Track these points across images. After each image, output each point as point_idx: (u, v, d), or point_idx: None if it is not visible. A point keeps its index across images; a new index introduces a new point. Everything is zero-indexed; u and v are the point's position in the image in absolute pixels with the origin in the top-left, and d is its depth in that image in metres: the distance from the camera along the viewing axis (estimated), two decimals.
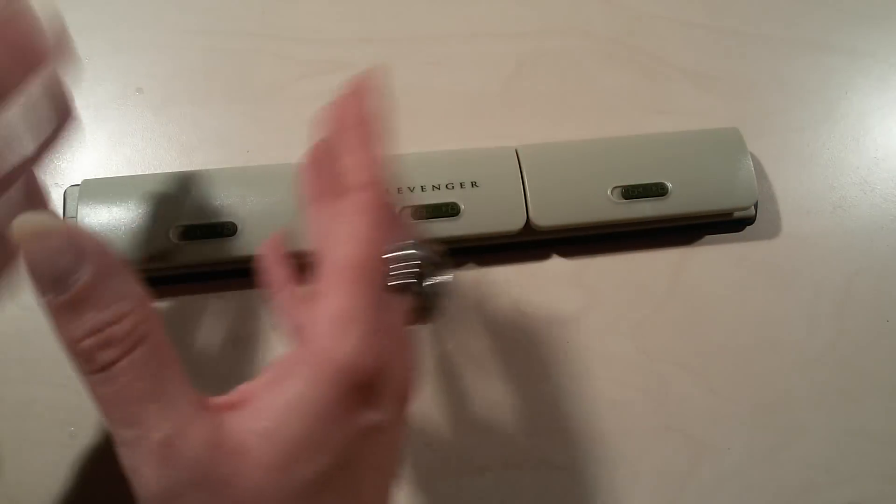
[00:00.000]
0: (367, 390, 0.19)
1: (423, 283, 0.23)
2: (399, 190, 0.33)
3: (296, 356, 0.20)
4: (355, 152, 0.22)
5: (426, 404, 0.34)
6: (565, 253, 0.37)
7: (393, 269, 0.22)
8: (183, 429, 0.17)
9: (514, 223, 0.34)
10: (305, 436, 0.18)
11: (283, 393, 0.18)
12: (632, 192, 0.34)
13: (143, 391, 0.17)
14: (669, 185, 0.34)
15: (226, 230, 0.32)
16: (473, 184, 0.33)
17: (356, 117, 0.22)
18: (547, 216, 0.34)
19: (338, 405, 0.18)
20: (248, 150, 0.37)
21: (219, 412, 0.19)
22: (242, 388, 0.20)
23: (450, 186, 0.33)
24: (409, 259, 0.23)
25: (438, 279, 0.23)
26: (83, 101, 0.37)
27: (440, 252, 0.23)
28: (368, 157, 0.22)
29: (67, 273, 0.16)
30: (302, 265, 0.24)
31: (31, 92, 0.21)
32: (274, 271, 0.26)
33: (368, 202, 0.21)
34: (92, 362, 0.17)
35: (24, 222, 0.16)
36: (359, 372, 0.19)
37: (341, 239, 0.20)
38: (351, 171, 0.21)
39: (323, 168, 0.24)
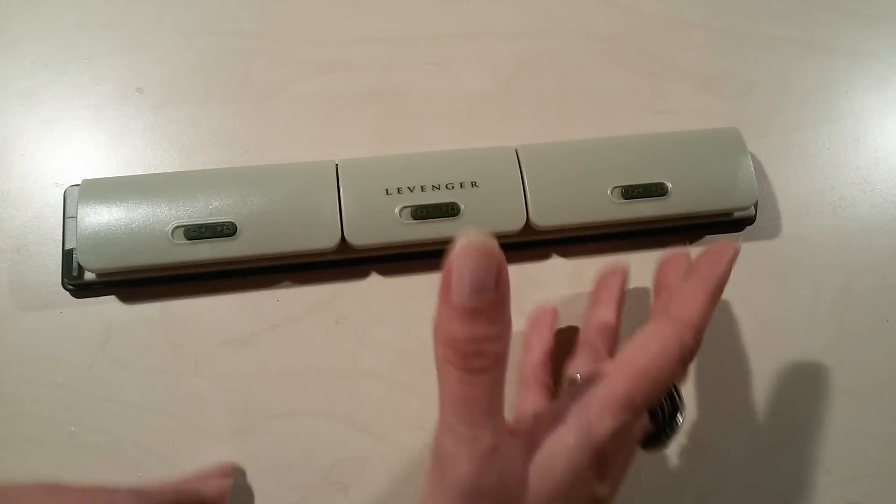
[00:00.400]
0: (605, 467, 0.23)
1: (666, 417, 0.27)
2: (399, 190, 0.33)
3: (565, 412, 0.23)
4: (697, 293, 0.25)
5: (427, 406, 0.34)
6: (565, 253, 0.37)
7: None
8: (506, 444, 0.21)
9: (514, 223, 0.34)
10: (565, 484, 0.22)
11: (558, 441, 0.23)
12: (632, 192, 0.34)
13: (489, 404, 0.21)
14: (669, 185, 0.34)
15: (225, 230, 0.32)
16: (473, 184, 0.33)
17: (718, 266, 0.26)
18: (547, 216, 0.34)
19: (588, 469, 0.22)
20: (247, 150, 0.37)
21: (515, 435, 0.23)
22: (520, 417, 0.26)
23: (450, 186, 0.33)
24: (668, 393, 0.27)
25: (676, 419, 0.27)
26: (83, 101, 0.37)
27: (681, 398, 0.28)
28: (706, 308, 0.25)
29: (485, 288, 0.19)
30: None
31: None
32: (538, 335, 0.32)
33: (686, 341, 0.24)
34: (466, 363, 0.20)
35: (475, 236, 0.20)
36: (606, 450, 0.23)
37: (651, 349, 0.24)
38: (684, 303, 0.25)
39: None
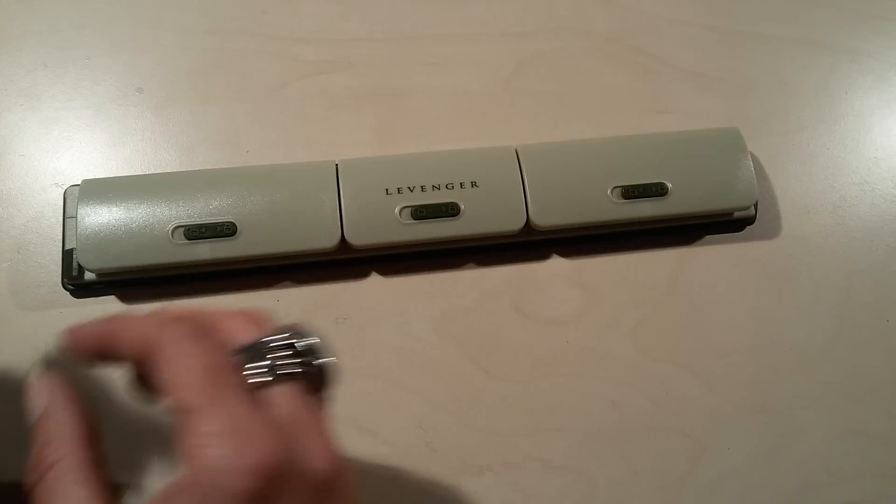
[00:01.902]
0: (263, 489, 0.18)
1: (302, 362, 0.22)
2: (399, 190, 0.33)
3: (175, 486, 0.18)
4: (126, 334, 0.22)
5: (427, 406, 0.34)
6: (565, 253, 0.37)
7: (248, 369, 0.21)
8: None
9: (514, 223, 0.34)
10: None
11: None
12: (632, 192, 0.34)
13: None
14: (669, 185, 0.34)
15: (225, 230, 0.32)
16: (473, 184, 0.33)
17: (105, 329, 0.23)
18: (547, 216, 0.34)
19: None
20: (247, 150, 0.37)
21: None
22: None
23: (450, 186, 0.33)
24: (263, 351, 0.21)
25: (314, 358, 0.22)
26: (83, 101, 0.37)
27: (300, 329, 0.23)
28: (139, 327, 0.21)
29: (31, 410, 0.22)
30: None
31: None
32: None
33: (164, 342, 0.20)
34: (26, 482, 0.21)
35: (31, 376, 0.21)
36: (241, 475, 0.18)
37: (167, 386, 0.20)
38: (134, 344, 0.21)
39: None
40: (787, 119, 0.40)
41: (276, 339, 0.22)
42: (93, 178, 0.33)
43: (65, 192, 0.34)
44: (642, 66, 0.40)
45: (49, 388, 0.21)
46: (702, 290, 0.37)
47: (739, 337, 0.36)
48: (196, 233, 0.32)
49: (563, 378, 0.35)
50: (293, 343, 0.22)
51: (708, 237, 0.38)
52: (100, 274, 0.32)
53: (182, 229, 0.32)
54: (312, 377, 0.22)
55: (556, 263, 0.37)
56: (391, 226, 0.33)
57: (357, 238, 0.33)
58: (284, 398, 0.20)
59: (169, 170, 0.36)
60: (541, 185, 0.34)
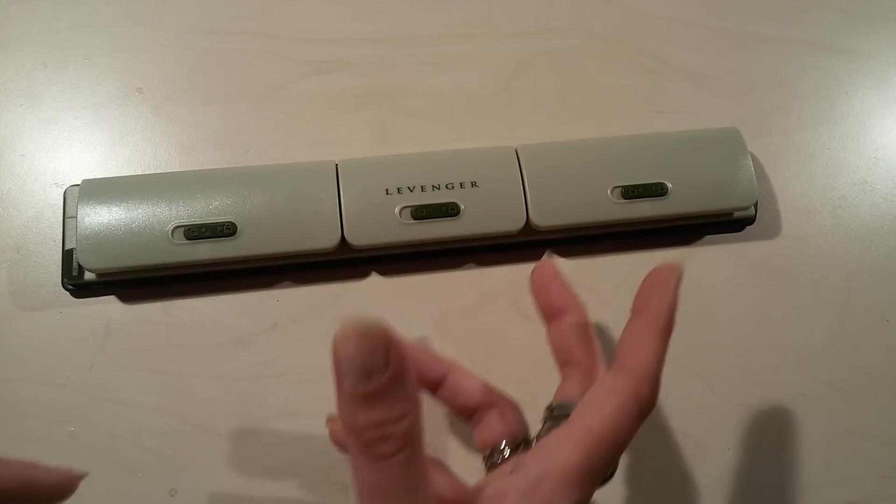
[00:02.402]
0: None
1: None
2: (399, 190, 0.33)
3: (513, 490, 0.21)
4: (648, 336, 0.23)
5: (427, 405, 0.34)
6: (565, 253, 0.37)
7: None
8: None
9: (514, 223, 0.34)
10: None
11: None
12: (632, 192, 0.34)
13: (405, 489, 0.19)
14: (669, 185, 0.34)
15: (225, 230, 0.32)
16: (473, 184, 0.33)
17: (665, 301, 0.23)
18: (547, 216, 0.34)
19: None
20: (247, 150, 0.37)
21: None
22: (473, 488, 0.23)
23: (450, 186, 0.33)
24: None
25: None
26: (83, 101, 0.37)
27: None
28: (659, 352, 0.23)
29: (373, 371, 0.18)
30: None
31: None
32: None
33: (643, 394, 0.22)
34: (371, 451, 0.19)
35: (352, 320, 0.18)
36: None
37: (606, 410, 0.22)
38: (636, 350, 0.23)
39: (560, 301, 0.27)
40: (787, 119, 0.40)
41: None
42: (93, 178, 0.33)
43: (65, 192, 0.34)
44: (642, 66, 0.40)
45: (397, 346, 0.18)
46: (702, 290, 0.37)
47: (739, 337, 0.36)
48: (196, 233, 0.32)
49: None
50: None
51: (708, 237, 0.38)
52: (100, 274, 0.32)
53: (182, 229, 0.32)
54: None
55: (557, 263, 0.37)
56: (391, 226, 0.33)
57: (357, 238, 0.33)
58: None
59: (169, 170, 0.36)
60: (541, 185, 0.34)
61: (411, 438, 0.19)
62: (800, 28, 0.42)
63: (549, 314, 0.28)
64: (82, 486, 0.32)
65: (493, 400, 0.27)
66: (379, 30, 0.40)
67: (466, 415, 0.27)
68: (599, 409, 0.22)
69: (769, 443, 0.35)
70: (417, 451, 0.19)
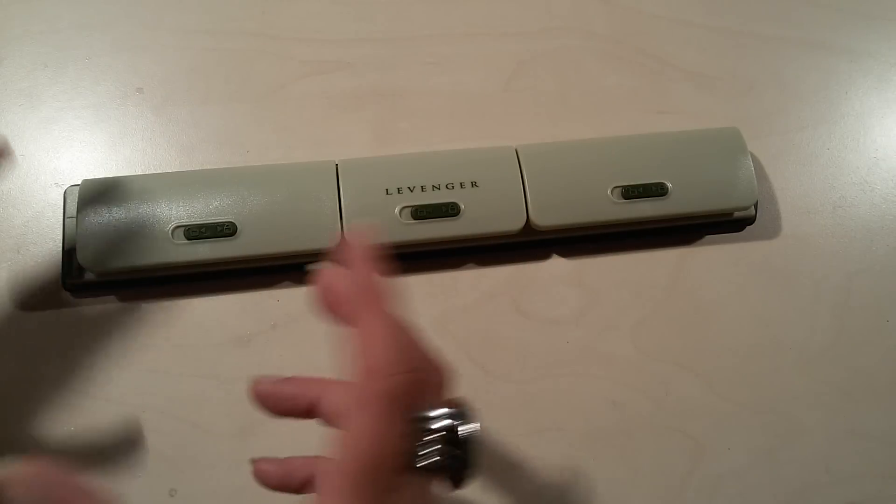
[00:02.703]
0: None
1: (453, 455, 0.21)
2: (399, 190, 0.33)
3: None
4: (366, 326, 0.21)
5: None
6: (565, 253, 0.37)
7: (421, 448, 0.21)
8: None
9: (514, 223, 0.34)
10: None
11: None
12: (632, 192, 0.34)
13: None
14: (669, 185, 0.34)
15: (226, 230, 0.32)
16: (473, 184, 0.33)
17: (361, 281, 0.21)
18: (547, 216, 0.34)
19: None
20: (247, 150, 0.37)
21: None
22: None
23: (450, 186, 0.33)
24: (437, 434, 0.21)
25: (469, 445, 0.21)
26: (83, 101, 0.37)
27: (467, 410, 0.22)
28: (379, 333, 0.21)
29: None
30: None
31: None
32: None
33: (389, 387, 0.20)
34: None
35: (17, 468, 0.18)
36: None
37: (353, 429, 0.20)
38: (366, 348, 0.21)
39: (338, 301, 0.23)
40: (787, 119, 0.40)
41: (442, 415, 0.21)
42: (93, 178, 0.33)
43: (65, 192, 0.34)
44: (642, 66, 0.40)
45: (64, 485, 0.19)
46: (702, 290, 0.37)
47: (739, 337, 0.36)
48: (196, 233, 0.32)
49: (563, 378, 0.35)
50: (456, 427, 0.21)
51: (708, 237, 0.38)
52: (100, 274, 0.32)
53: (182, 229, 0.32)
54: (456, 474, 0.21)
55: (556, 263, 0.37)
56: (391, 226, 0.33)
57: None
58: (419, 489, 0.20)
59: (169, 170, 0.36)
60: (541, 185, 0.34)
61: None
62: (800, 28, 0.42)
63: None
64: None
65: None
66: (379, 30, 0.40)
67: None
68: (349, 435, 0.20)
69: (769, 443, 0.35)
70: None
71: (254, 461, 0.24)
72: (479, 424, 0.22)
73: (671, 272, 0.37)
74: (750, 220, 0.37)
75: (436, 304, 0.35)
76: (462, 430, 0.21)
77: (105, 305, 0.34)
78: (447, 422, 0.21)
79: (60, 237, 0.33)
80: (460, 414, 0.21)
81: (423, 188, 0.33)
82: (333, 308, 0.23)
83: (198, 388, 0.33)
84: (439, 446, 0.21)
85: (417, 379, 0.21)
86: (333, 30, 0.40)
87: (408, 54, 0.39)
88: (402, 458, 0.20)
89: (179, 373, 0.34)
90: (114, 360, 0.33)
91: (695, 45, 0.41)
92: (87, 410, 0.33)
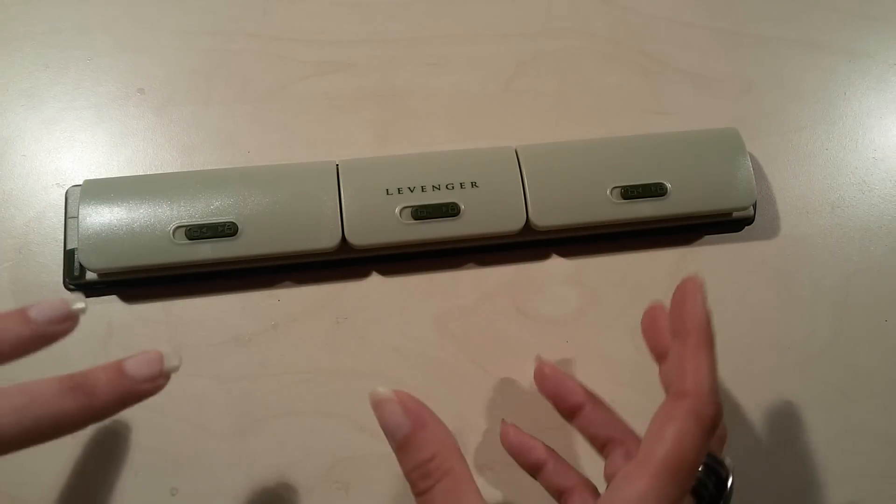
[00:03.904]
0: None
1: (710, 490, 0.25)
2: (399, 190, 0.33)
3: None
4: (694, 355, 0.24)
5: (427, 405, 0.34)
6: (565, 253, 0.37)
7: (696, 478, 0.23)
8: None
9: (514, 223, 0.34)
10: None
11: None
12: (631, 193, 0.34)
13: None
14: (669, 186, 0.35)
15: (226, 230, 0.32)
16: (473, 184, 0.34)
17: (700, 317, 0.25)
18: (547, 216, 0.34)
19: None
20: (248, 150, 0.37)
21: None
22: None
23: (450, 186, 0.33)
24: (709, 471, 0.25)
25: (725, 491, 0.25)
26: (84, 101, 0.37)
27: (727, 465, 0.25)
28: (708, 367, 0.24)
29: (397, 426, 0.24)
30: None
31: None
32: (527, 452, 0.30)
33: (702, 413, 0.23)
34: (416, 487, 0.23)
35: (376, 392, 0.24)
36: None
37: (666, 437, 0.22)
38: (684, 371, 0.24)
39: (659, 337, 0.28)
40: (785, 119, 0.40)
41: (712, 465, 0.25)
42: (94, 178, 0.33)
43: (66, 193, 0.34)
44: (642, 66, 0.41)
45: (414, 405, 0.24)
46: None
47: (739, 337, 0.36)
48: (197, 233, 0.32)
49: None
50: (721, 476, 0.25)
51: (707, 237, 0.38)
52: (101, 274, 0.33)
53: (183, 229, 0.32)
54: None
55: (556, 263, 0.37)
56: (391, 226, 0.33)
57: (357, 238, 0.33)
58: None
59: (170, 170, 0.36)
60: (541, 185, 0.34)
61: (448, 470, 0.23)
62: (799, 28, 0.42)
63: (661, 355, 0.29)
64: (82, 486, 0.32)
65: (623, 436, 0.28)
66: (380, 30, 0.40)
67: (598, 446, 0.29)
68: (659, 437, 0.22)
69: (769, 443, 0.35)
70: (455, 478, 0.23)
71: (503, 423, 0.30)
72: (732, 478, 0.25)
73: (671, 272, 0.37)
74: (749, 221, 0.37)
75: (436, 304, 0.35)
76: (728, 478, 0.25)
77: (106, 305, 0.34)
78: (720, 469, 0.25)
79: (62, 237, 0.33)
80: (721, 463, 0.25)
81: (423, 188, 0.33)
82: (652, 339, 0.28)
83: (198, 388, 0.33)
84: (703, 483, 0.25)
85: (719, 419, 0.23)
86: (334, 31, 0.40)
87: (408, 55, 0.40)
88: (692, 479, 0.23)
89: (180, 372, 0.34)
90: (114, 359, 0.33)
91: (694, 45, 0.41)
92: None
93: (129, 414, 0.33)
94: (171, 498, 0.32)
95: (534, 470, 0.29)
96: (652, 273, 0.37)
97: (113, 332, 0.34)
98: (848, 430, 0.36)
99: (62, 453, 0.32)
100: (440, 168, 0.34)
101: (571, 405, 0.29)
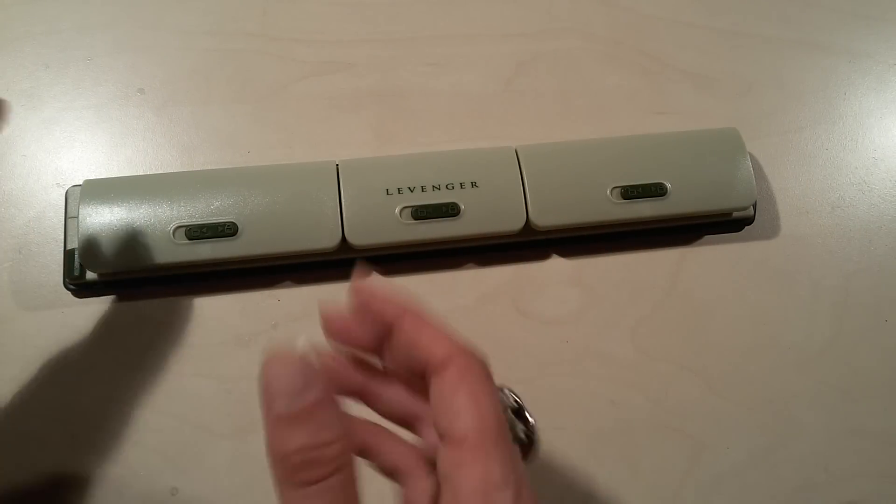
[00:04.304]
0: None
1: (521, 427, 0.23)
2: (399, 190, 0.33)
3: None
4: (423, 330, 0.21)
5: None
6: (565, 253, 0.37)
7: None
8: None
9: (514, 223, 0.34)
10: None
11: None
12: (631, 193, 0.34)
13: None
14: (669, 186, 0.35)
15: (227, 230, 0.32)
16: (473, 184, 0.34)
17: (397, 306, 0.22)
18: (547, 216, 0.34)
19: None
20: (248, 150, 0.37)
21: None
22: None
23: (450, 186, 0.33)
24: (507, 410, 0.23)
25: (529, 420, 0.24)
26: (84, 101, 0.37)
27: (518, 396, 0.24)
28: (439, 330, 0.21)
29: (297, 392, 0.18)
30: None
31: None
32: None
33: (470, 367, 0.20)
34: (295, 476, 0.18)
35: (277, 345, 0.18)
36: None
37: (461, 409, 0.19)
38: (433, 346, 0.21)
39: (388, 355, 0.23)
40: (785, 119, 0.40)
41: (506, 403, 0.24)
42: (94, 178, 0.33)
43: (66, 193, 0.34)
44: (642, 66, 0.41)
45: (325, 375, 0.18)
46: (701, 290, 0.37)
47: (739, 337, 0.36)
48: (197, 233, 0.32)
49: (563, 378, 0.35)
50: (519, 405, 0.24)
51: (707, 237, 0.38)
52: (101, 274, 0.33)
53: (183, 229, 0.32)
54: (524, 448, 0.23)
55: (556, 263, 0.37)
56: (391, 226, 0.33)
57: (357, 238, 0.33)
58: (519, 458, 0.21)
59: (170, 170, 0.36)
60: (541, 185, 0.34)
61: (343, 465, 0.18)
62: (799, 29, 0.42)
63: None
64: (83, 486, 0.32)
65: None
66: (380, 31, 0.40)
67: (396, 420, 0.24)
68: (458, 412, 0.19)
69: (769, 443, 0.35)
70: (348, 479, 0.19)
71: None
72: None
73: (670, 272, 0.37)
74: (749, 221, 0.37)
75: (436, 304, 0.35)
76: (527, 408, 0.23)
77: (106, 305, 0.34)
78: (511, 401, 0.23)
79: (62, 237, 0.33)
80: (511, 395, 0.23)
81: (423, 188, 0.33)
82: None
83: (198, 388, 0.33)
84: (511, 423, 0.23)
85: (487, 360, 0.21)
86: (334, 31, 0.40)
87: (408, 55, 0.40)
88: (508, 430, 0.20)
89: (180, 372, 0.34)
90: (114, 359, 0.33)
91: (694, 45, 0.41)
92: (87, 410, 0.33)
93: (130, 414, 0.33)
94: (171, 498, 0.32)
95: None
96: (651, 273, 0.37)
97: (113, 332, 0.34)
98: (848, 430, 0.36)
99: (62, 453, 0.32)
100: (440, 168, 0.34)
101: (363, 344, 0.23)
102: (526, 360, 0.35)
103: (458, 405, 0.19)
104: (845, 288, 0.38)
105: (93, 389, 0.33)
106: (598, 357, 0.35)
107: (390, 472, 0.24)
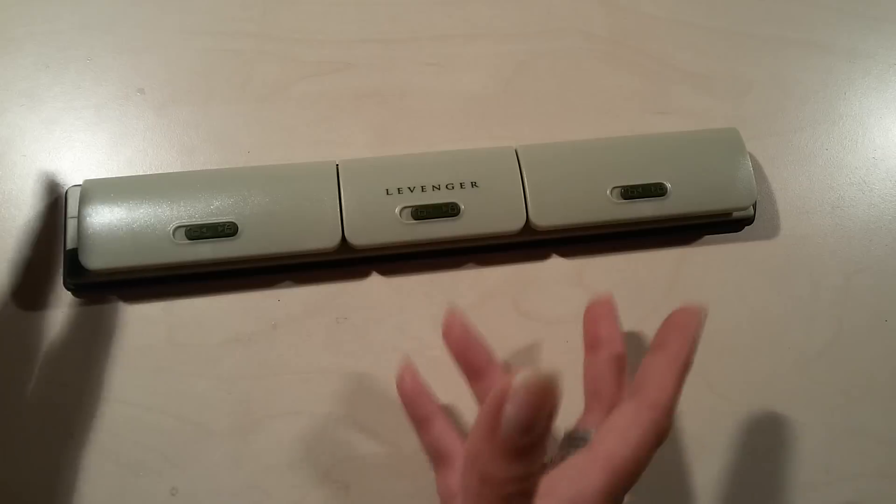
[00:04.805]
0: None
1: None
2: (399, 190, 0.33)
3: None
4: (670, 371, 0.24)
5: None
6: (565, 253, 0.37)
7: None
8: None
9: (514, 223, 0.34)
10: None
11: None
12: (631, 193, 0.34)
13: None
14: (669, 186, 0.35)
15: (227, 230, 0.32)
16: (473, 184, 0.34)
17: (687, 340, 0.25)
18: (546, 216, 0.34)
19: None
20: (248, 150, 0.37)
21: None
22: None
23: (450, 186, 0.33)
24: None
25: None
26: (84, 101, 0.37)
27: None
28: (677, 386, 0.24)
29: (536, 426, 0.18)
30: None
31: None
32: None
33: (662, 428, 0.23)
34: (503, 499, 0.19)
35: (531, 373, 0.18)
36: None
37: (630, 440, 0.22)
38: (658, 384, 0.24)
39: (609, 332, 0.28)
40: (785, 119, 0.40)
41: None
42: (94, 178, 0.33)
43: (66, 193, 0.34)
44: (642, 66, 0.41)
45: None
46: (701, 290, 0.37)
47: (738, 337, 0.36)
48: (197, 233, 0.32)
49: (563, 378, 0.35)
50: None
51: (707, 237, 0.38)
52: (101, 274, 0.32)
53: (183, 229, 0.32)
54: None
55: (556, 263, 0.37)
56: (391, 226, 0.33)
57: (357, 238, 0.33)
58: None
59: (170, 170, 0.36)
60: (541, 185, 0.34)
61: (535, 491, 0.20)
62: (799, 29, 0.42)
63: (592, 344, 0.30)
64: (83, 486, 0.32)
65: None
66: (380, 31, 0.40)
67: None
68: (623, 438, 0.23)
69: (769, 442, 0.35)
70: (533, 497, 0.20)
71: (402, 366, 0.29)
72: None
73: (670, 272, 0.37)
74: (749, 221, 0.37)
75: (436, 304, 0.35)
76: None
77: (106, 305, 0.34)
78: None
79: (62, 237, 0.33)
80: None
81: (423, 188, 0.33)
82: (592, 325, 0.29)
83: (198, 388, 0.33)
84: None
85: (669, 435, 0.24)
86: (334, 31, 0.40)
87: (408, 55, 0.40)
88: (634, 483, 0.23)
89: (180, 372, 0.34)
90: (114, 359, 0.33)
91: (694, 45, 0.41)
92: (87, 410, 0.33)
93: (130, 413, 0.33)
94: (171, 498, 0.32)
95: (420, 424, 0.28)
96: (652, 273, 0.37)
97: (113, 332, 0.34)
98: (848, 430, 0.36)
99: (62, 453, 0.32)
100: (440, 168, 0.34)
101: (476, 366, 0.28)
102: (526, 360, 0.35)
103: (621, 429, 0.23)
104: (845, 288, 0.38)
105: (93, 389, 0.33)
106: None
107: (437, 454, 0.27)
